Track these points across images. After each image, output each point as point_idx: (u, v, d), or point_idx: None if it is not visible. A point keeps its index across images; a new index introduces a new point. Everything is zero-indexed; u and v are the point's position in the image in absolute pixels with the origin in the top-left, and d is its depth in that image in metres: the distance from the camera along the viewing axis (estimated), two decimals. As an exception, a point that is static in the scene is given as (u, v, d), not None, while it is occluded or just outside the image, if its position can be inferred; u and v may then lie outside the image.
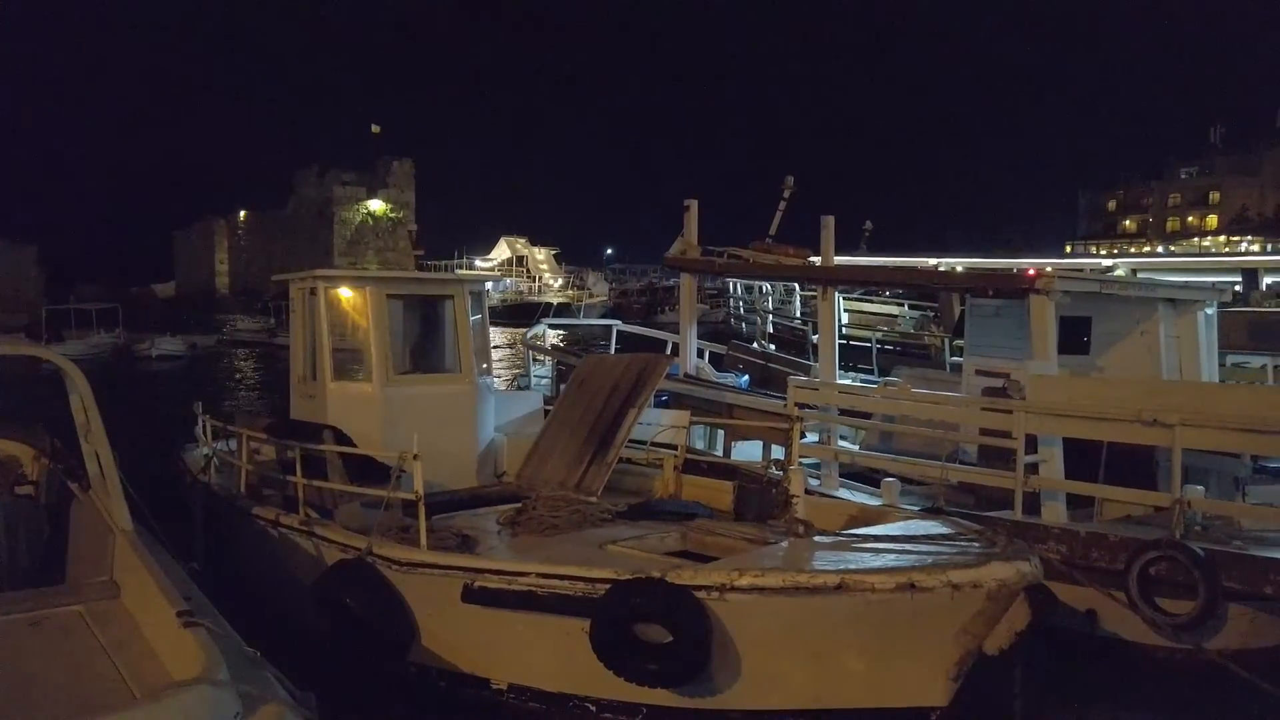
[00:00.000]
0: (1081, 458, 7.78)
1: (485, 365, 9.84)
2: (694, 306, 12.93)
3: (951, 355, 14.57)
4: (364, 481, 7.49)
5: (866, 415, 9.96)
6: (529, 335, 17.10)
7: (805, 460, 9.02)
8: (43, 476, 7.24)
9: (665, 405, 10.65)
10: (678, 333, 13.09)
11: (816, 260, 12.03)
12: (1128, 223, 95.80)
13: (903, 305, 23.24)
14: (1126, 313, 9.30)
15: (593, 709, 5.73)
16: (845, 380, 13.85)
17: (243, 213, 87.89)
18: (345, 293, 9.22)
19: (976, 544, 5.39)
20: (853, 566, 5.08)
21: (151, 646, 4.17)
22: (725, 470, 8.93)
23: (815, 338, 13.53)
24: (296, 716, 3.70)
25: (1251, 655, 6.90)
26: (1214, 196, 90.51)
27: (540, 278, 68.94)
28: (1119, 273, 16.68)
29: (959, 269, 20.21)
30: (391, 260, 71.27)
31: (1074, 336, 9.07)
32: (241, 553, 8.25)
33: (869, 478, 9.16)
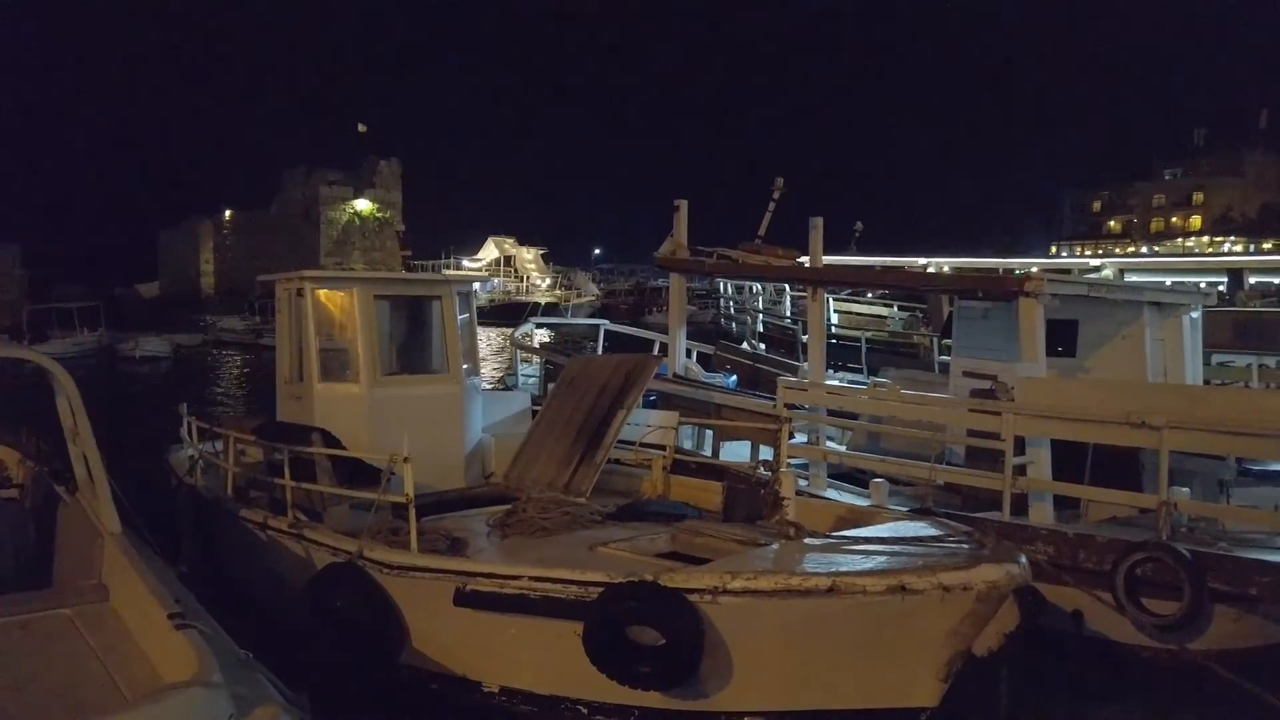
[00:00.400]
0: (1068, 458, 7.84)
1: (473, 366, 9.82)
2: (683, 307, 12.95)
3: (940, 355, 14.63)
4: (353, 483, 7.47)
5: (855, 415, 10.00)
6: (516, 334, 17.09)
7: (793, 460, 9.05)
8: (28, 479, 7.18)
9: (654, 405, 10.67)
10: (666, 333, 13.10)
11: (805, 261, 12.07)
12: (1112, 223, 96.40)
13: (891, 306, 23.36)
14: (1113, 316, 9.37)
15: (585, 711, 5.73)
16: (834, 379, 13.95)
17: (228, 212, 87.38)
18: (332, 293, 9.18)
19: (966, 546, 5.42)
20: (844, 569, 5.10)
21: (142, 649, 4.15)
22: (714, 471, 8.94)
23: (805, 337, 13.57)
24: (289, 717, 3.68)
25: (1236, 655, 6.96)
26: (1197, 197, 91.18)
27: (528, 278, 68.82)
28: (1106, 273, 16.82)
29: (945, 269, 20.28)
30: (378, 261, 71.01)
31: (1061, 339, 9.14)
32: (230, 555, 8.21)
33: (857, 478, 9.18)
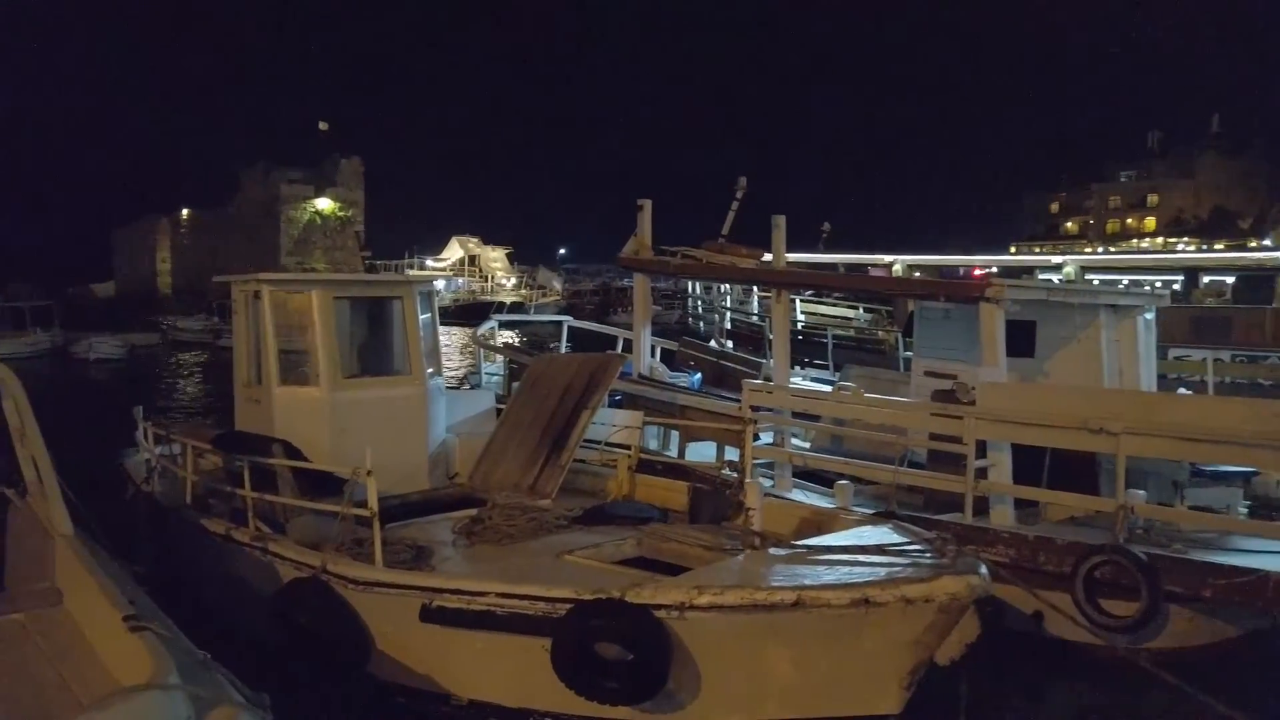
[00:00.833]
0: (1027, 460, 7.94)
1: (435, 366, 9.74)
2: (648, 307, 12.94)
3: (905, 352, 14.79)
4: (315, 491, 7.36)
5: (819, 415, 10.06)
6: (479, 333, 16.98)
7: (758, 460, 9.07)
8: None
9: (619, 405, 10.64)
10: (631, 331, 13.08)
11: (769, 258, 12.12)
12: (1069, 224, 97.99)
13: (857, 308, 23.61)
14: (1070, 318, 9.51)
15: None
16: (801, 375, 14.04)
17: (185, 211, 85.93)
18: (291, 296, 9.04)
19: (928, 555, 5.50)
20: (809, 582, 5.16)
21: (97, 653, 4.09)
22: (679, 471, 8.93)
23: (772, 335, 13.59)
24: (250, 717, 3.62)
25: (1190, 653, 7.11)
26: (1152, 199, 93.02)
27: (493, 277, 68.49)
28: (1068, 270, 17.12)
29: (903, 265, 20.55)
30: (340, 260, 70.24)
31: (1020, 340, 9.25)
32: (189, 565, 8.05)
33: (821, 476, 9.24)
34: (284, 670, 5.95)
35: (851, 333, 22.12)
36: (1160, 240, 78.05)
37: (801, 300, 22.10)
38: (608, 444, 9.18)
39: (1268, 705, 6.88)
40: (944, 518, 7.79)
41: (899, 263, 21.16)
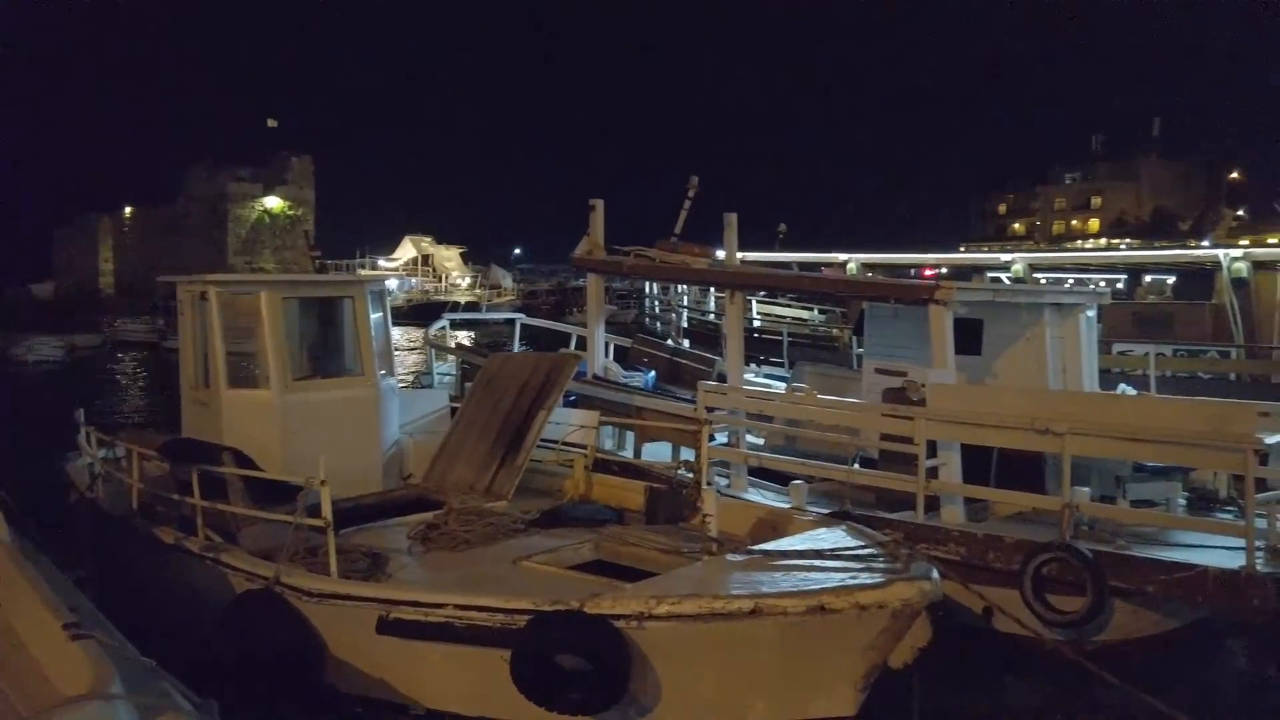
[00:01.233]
0: (976, 458, 8.08)
1: (388, 367, 9.63)
2: (602, 307, 12.92)
3: (858, 350, 14.98)
4: (267, 497, 7.22)
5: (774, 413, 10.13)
6: (431, 332, 16.80)
7: (713, 460, 9.11)
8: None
9: (573, 405, 10.61)
10: (585, 330, 13.04)
11: (721, 255, 12.18)
12: (1017, 225, 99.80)
13: (812, 309, 23.87)
14: (1016, 317, 9.69)
15: None
16: (753, 372, 14.11)
17: (129, 209, 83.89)
18: (239, 297, 8.87)
19: (881, 560, 5.60)
20: (765, 590, 5.24)
21: (37, 662, 3.98)
22: (635, 471, 8.93)
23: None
24: None
25: (1133, 645, 7.30)
26: (1096, 201, 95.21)
27: (447, 277, 67.89)
28: (1017, 268, 17.44)
29: (857, 264, 20.81)
30: (290, 260, 69.09)
31: (968, 339, 9.40)
32: (136, 574, 7.86)
33: (777, 474, 9.31)
34: (235, 681, 5.84)
35: (807, 331, 22.36)
36: (1104, 241, 79.76)
37: (758, 300, 22.28)
38: (564, 444, 9.16)
39: (1205, 695, 7.10)
40: (896, 516, 7.89)
41: (853, 261, 21.38)
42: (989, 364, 9.77)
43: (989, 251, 31.98)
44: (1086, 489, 7.53)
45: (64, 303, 75.45)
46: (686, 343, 19.81)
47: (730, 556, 6.11)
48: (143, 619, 5.98)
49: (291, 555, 6.33)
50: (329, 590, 6.00)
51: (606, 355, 13.09)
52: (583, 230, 12.57)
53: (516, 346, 15.07)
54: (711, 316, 22.38)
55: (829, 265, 23.79)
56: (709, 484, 7.71)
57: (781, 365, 16.65)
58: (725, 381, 10.80)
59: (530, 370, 9.05)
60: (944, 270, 22.13)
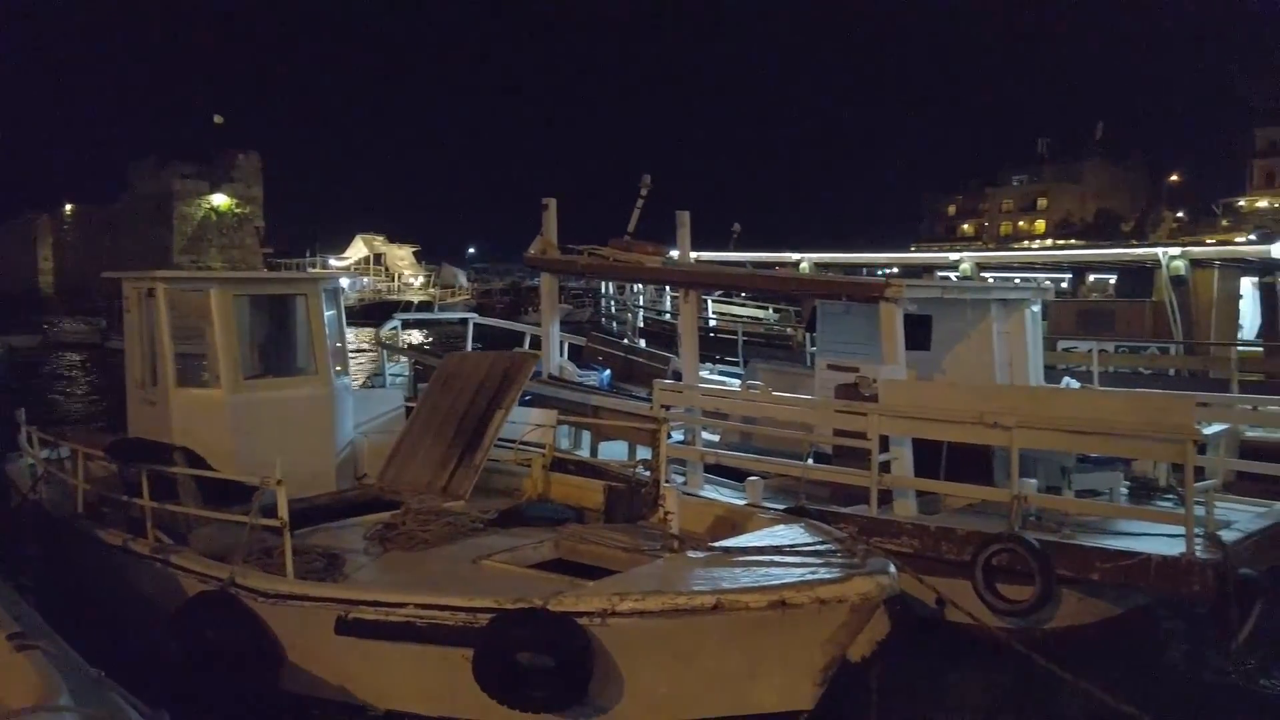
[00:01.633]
0: (926, 453, 8.24)
1: (342, 366, 9.52)
2: (556, 306, 12.90)
3: (811, 348, 15.15)
4: (218, 499, 7.10)
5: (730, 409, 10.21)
6: (383, 332, 16.63)
7: (670, 458, 9.15)
8: None
9: (528, 404, 10.58)
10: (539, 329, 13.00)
11: (675, 254, 12.24)
12: (966, 226, 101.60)
13: (767, 308, 24.07)
14: (964, 313, 9.90)
15: None
16: (709, 370, 14.21)
17: (69, 207, 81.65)
18: (188, 294, 8.72)
19: (839, 555, 5.70)
20: (727, 585, 5.30)
21: None
22: (593, 470, 8.95)
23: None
24: None
25: (1080, 631, 7.51)
26: (1041, 203, 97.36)
27: (400, 276, 67.13)
28: (965, 267, 17.75)
29: (810, 263, 21.05)
30: (237, 259, 67.75)
31: (918, 334, 9.57)
32: (82, 578, 7.68)
33: (732, 471, 9.39)
34: (187, 688, 5.74)
35: (761, 330, 22.54)
36: (1050, 242, 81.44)
37: (713, 300, 22.42)
38: (521, 443, 9.14)
39: (1146, 676, 7.32)
40: (850, 510, 8.02)
41: (805, 261, 21.61)
42: (938, 359, 9.96)
43: (939, 251, 32.49)
44: (1033, 480, 7.73)
45: (1, 302, 73.21)
46: (642, 342, 19.86)
47: (691, 553, 6.16)
48: (89, 626, 5.87)
49: (246, 556, 6.23)
50: (286, 591, 5.91)
51: (561, 354, 13.08)
52: (536, 229, 12.55)
53: (470, 346, 14.98)
54: (667, 316, 22.46)
55: (782, 265, 24.01)
56: (668, 481, 7.76)
57: (736, 364, 16.78)
58: (680, 380, 10.87)
59: (488, 369, 9.01)
60: (895, 269, 22.44)
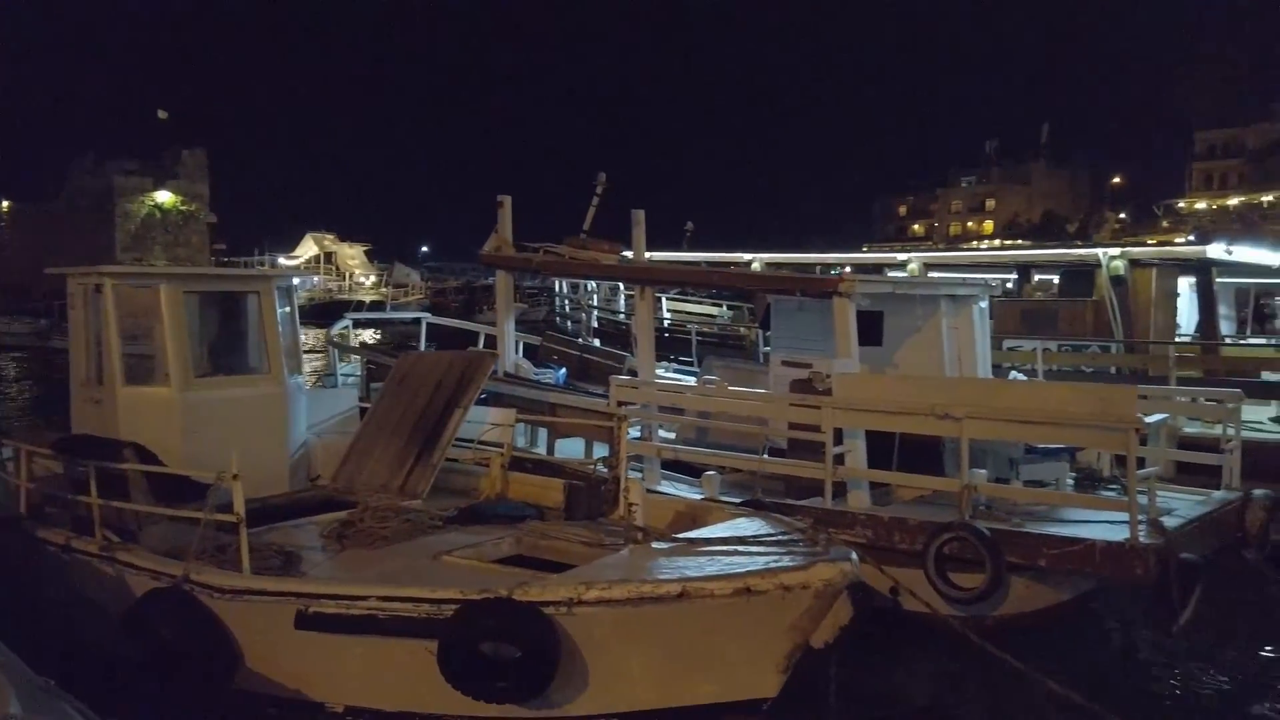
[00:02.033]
0: (878, 445, 8.39)
1: (295, 365, 9.41)
2: (511, 304, 12.87)
3: (764, 347, 15.29)
4: (167, 498, 6.97)
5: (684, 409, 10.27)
6: (334, 332, 16.40)
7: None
8: None
9: (484, 403, 10.55)
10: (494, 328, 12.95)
11: (630, 254, 12.27)
12: (916, 227, 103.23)
13: (721, 306, 24.21)
14: (913, 309, 10.07)
15: None
16: (664, 368, 14.28)
17: (5, 204, 79.25)
18: (136, 290, 8.55)
19: (800, 544, 5.79)
20: (692, 574, 5.36)
21: None
22: (551, 468, 8.95)
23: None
24: None
25: (1029, 617, 7.69)
26: (990, 204, 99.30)
27: (351, 276, 66.26)
28: (913, 267, 18.00)
29: (762, 263, 21.26)
30: (183, 257, 66.25)
31: (869, 330, 9.72)
32: (24, 582, 7.48)
33: (687, 467, 9.46)
34: (140, 691, 5.65)
35: (715, 329, 22.69)
36: (997, 242, 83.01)
37: (668, 299, 22.51)
38: (479, 443, 9.10)
39: (1092, 660, 7.54)
40: (805, 503, 8.13)
41: (758, 260, 21.80)
42: (889, 354, 10.12)
43: (890, 251, 32.97)
44: (983, 471, 7.91)
45: (-66, 303, 70.78)
46: (596, 341, 19.87)
47: (655, 544, 6.20)
48: (35, 631, 5.74)
49: (200, 553, 6.14)
50: (243, 586, 5.84)
51: (517, 353, 13.05)
52: (490, 228, 12.50)
53: (424, 346, 14.87)
54: (621, 316, 22.50)
55: (735, 265, 24.19)
56: (629, 476, 7.78)
57: (691, 363, 16.86)
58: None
59: (445, 368, 8.96)
60: (847, 269, 22.72)
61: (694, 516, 7.17)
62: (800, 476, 8.48)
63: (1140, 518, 7.09)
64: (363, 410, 9.83)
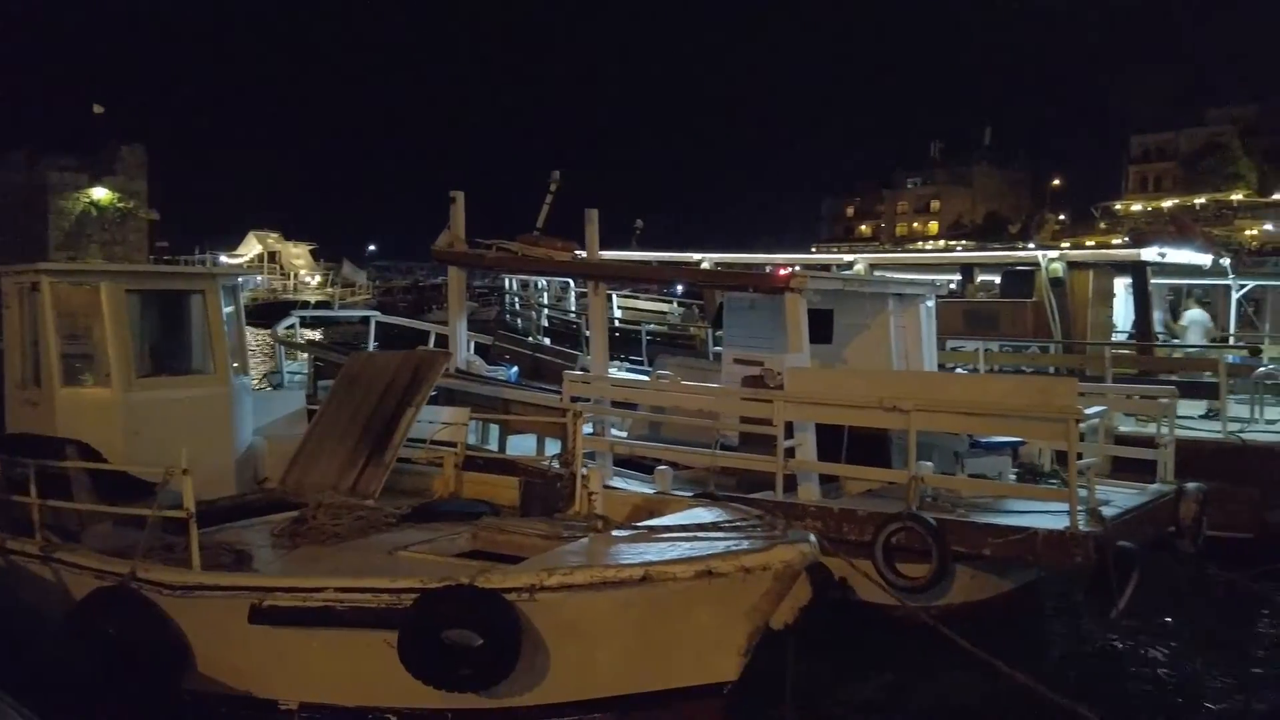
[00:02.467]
0: (828, 440, 8.54)
1: (241, 365, 9.25)
2: (464, 301, 12.80)
3: (715, 346, 15.39)
4: (110, 500, 6.82)
5: (636, 404, 10.34)
6: (280, 329, 16.13)
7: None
8: None
9: (435, 401, 10.48)
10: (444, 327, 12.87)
11: (583, 254, 12.29)
12: (863, 227, 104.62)
13: (671, 303, 24.29)
14: (862, 306, 10.25)
15: None
16: (615, 368, 14.30)
17: (-70, 199, 76.44)
18: (75, 289, 8.34)
19: (759, 528, 5.86)
20: (653, 558, 5.39)
21: None
22: (505, 465, 8.93)
23: (589, 332, 13.80)
24: None
25: (975, 607, 7.89)
26: (934, 205, 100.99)
27: (296, 275, 65.15)
28: (859, 268, 18.24)
29: (711, 263, 21.43)
30: (120, 255, 64.24)
31: (819, 327, 9.87)
32: None
33: (638, 464, 9.51)
34: (86, 693, 5.53)
35: (666, 328, 22.77)
36: (942, 243, 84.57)
37: (619, 297, 22.54)
38: (432, 442, 9.05)
39: (1036, 648, 7.76)
40: (756, 496, 8.23)
41: (707, 260, 21.94)
42: (839, 351, 10.28)
43: (838, 252, 33.42)
44: (929, 464, 8.08)
45: None
46: (547, 340, 19.82)
47: (616, 532, 6.23)
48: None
49: (147, 551, 6.01)
50: (194, 582, 5.73)
51: (468, 351, 12.97)
52: (438, 228, 12.42)
53: (372, 346, 14.72)
54: (573, 314, 22.48)
55: (685, 264, 24.29)
56: (585, 468, 7.79)
57: (641, 361, 16.91)
58: (589, 375, 10.92)
59: (397, 367, 8.87)
60: (796, 268, 22.98)
61: (651, 509, 7.20)
62: (752, 471, 8.58)
63: (1080, 508, 7.31)
64: (311, 411, 9.69)
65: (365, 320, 16.49)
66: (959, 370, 12.13)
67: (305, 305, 47.75)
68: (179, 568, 5.90)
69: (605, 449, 9.51)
